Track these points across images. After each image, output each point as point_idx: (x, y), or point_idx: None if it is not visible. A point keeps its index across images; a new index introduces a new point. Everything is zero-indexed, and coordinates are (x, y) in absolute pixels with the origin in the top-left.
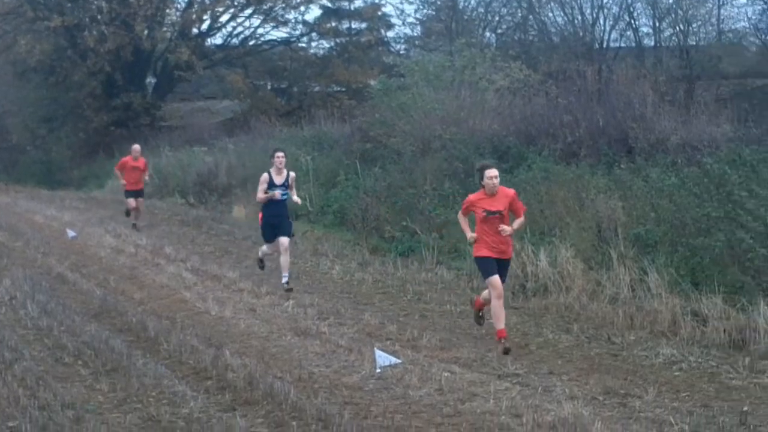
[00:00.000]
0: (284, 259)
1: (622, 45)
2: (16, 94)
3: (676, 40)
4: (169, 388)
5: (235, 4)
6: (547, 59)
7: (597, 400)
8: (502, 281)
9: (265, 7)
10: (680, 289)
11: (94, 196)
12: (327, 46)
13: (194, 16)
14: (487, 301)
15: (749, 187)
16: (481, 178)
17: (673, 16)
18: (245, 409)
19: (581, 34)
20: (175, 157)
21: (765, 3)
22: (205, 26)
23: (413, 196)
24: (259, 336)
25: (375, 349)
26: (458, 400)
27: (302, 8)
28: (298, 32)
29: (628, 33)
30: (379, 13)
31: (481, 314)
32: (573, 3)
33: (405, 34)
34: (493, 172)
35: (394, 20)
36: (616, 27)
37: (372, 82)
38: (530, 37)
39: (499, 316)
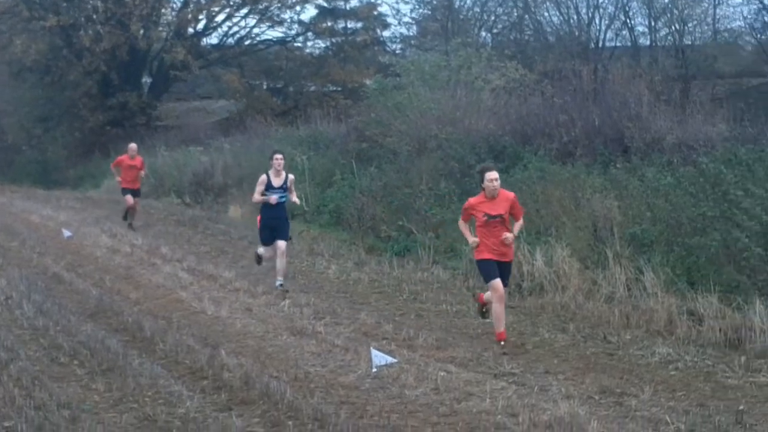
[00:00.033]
0: (281, 263)
1: (618, 44)
2: (11, 93)
3: (672, 39)
4: (165, 388)
5: (231, 3)
6: (543, 59)
7: (593, 399)
8: (505, 284)
9: (260, 6)
10: (676, 288)
11: (90, 196)
12: (323, 45)
13: (190, 15)
14: (491, 301)
15: (745, 187)
16: (482, 180)
17: (668, 15)
18: (241, 409)
19: (577, 33)
20: (171, 157)
21: (760, 2)
22: (200, 26)
23: (409, 196)
24: (255, 336)
25: (371, 348)
26: (454, 400)
27: (298, 8)
28: (293, 32)
29: (624, 32)
30: (375, 12)
31: (485, 309)
32: (569, 2)
33: (401, 33)
34: (493, 175)
35: (389, 20)
36: (612, 26)
37: (368, 82)
38: (526, 37)
39: (499, 318)
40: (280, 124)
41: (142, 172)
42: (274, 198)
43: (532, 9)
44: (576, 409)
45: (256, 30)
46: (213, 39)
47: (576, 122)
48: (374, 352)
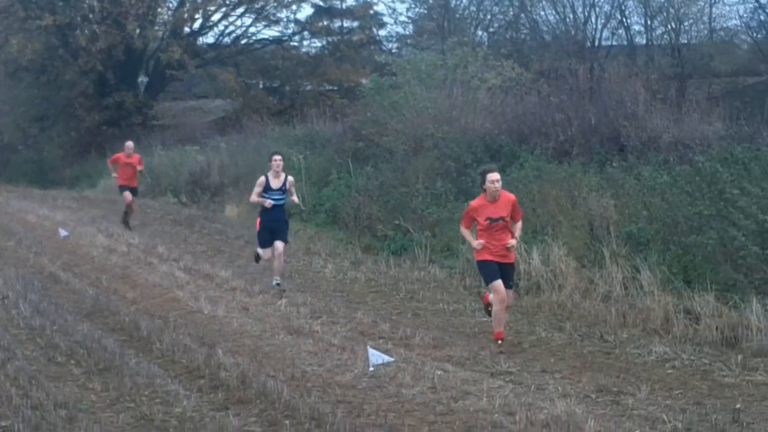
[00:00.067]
0: (278, 264)
1: (614, 43)
2: (7, 93)
3: (668, 38)
4: (161, 387)
5: (227, 3)
6: (539, 58)
7: (590, 398)
8: (509, 285)
9: (256, 6)
10: (673, 287)
11: (87, 196)
12: (319, 44)
13: (186, 15)
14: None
15: (741, 185)
16: (483, 182)
17: (664, 14)
18: (238, 408)
19: (573, 32)
20: (167, 157)
21: (756, 1)
22: (196, 25)
23: (405, 195)
24: (252, 335)
25: (368, 347)
26: (451, 399)
27: (294, 7)
28: (289, 31)
29: (620, 31)
30: (371, 11)
31: (491, 308)
32: (565, 1)
33: (397, 32)
34: (495, 176)
35: (386, 19)
36: (608, 25)
37: (364, 81)
38: (522, 36)
39: (499, 319)
40: (277, 124)
41: (139, 167)
42: (269, 202)
43: (528, 8)
44: (573, 408)
45: (252, 29)
46: (209, 38)
47: (572, 121)
48: (371, 351)
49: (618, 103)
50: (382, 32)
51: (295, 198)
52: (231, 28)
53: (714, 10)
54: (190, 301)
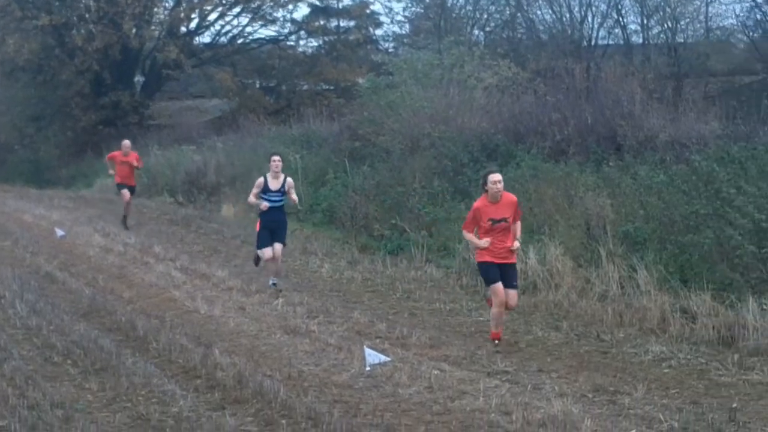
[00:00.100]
0: (276, 266)
1: (611, 42)
2: (4, 93)
3: (664, 37)
4: (158, 387)
5: (223, 2)
6: (536, 57)
7: (586, 398)
8: (514, 285)
9: (253, 5)
10: (669, 286)
11: (83, 195)
12: (315, 44)
13: (182, 14)
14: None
15: (737, 184)
16: (485, 183)
17: (661, 13)
18: (235, 408)
19: (569, 31)
20: (163, 156)
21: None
22: (193, 25)
23: (402, 195)
24: (249, 334)
25: (364, 347)
26: (448, 398)
27: (290, 6)
28: (286, 31)
29: (617, 30)
30: (368, 11)
31: None
32: (561, 0)
33: (393, 32)
34: (497, 177)
35: (382, 18)
36: (605, 24)
37: (360, 81)
38: (518, 35)
39: (497, 320)
40: (273, 123)
41: (138, 165)
42: (264, 204)
43: (525, 7)
44: (569, 408)
45: (248, 29)
46: (206, 38)
47: (569, 120)
48: (367, 351)
49: (614, 103)
50: (379, 32)
51: (294, 198)
52: (227, 27)
53: (710, 9)
54: (186, 301)
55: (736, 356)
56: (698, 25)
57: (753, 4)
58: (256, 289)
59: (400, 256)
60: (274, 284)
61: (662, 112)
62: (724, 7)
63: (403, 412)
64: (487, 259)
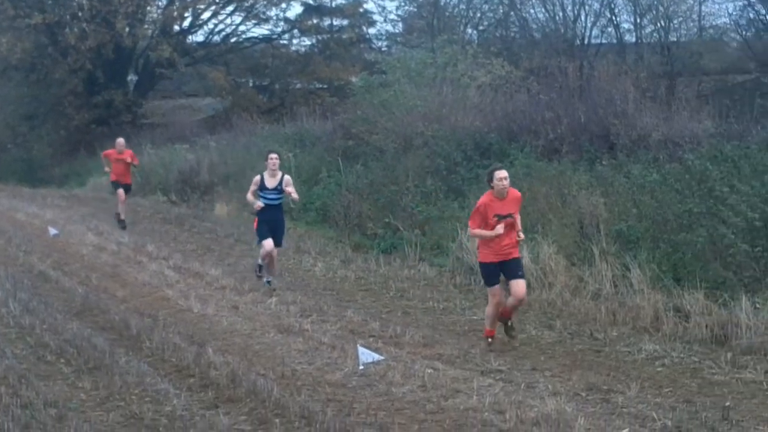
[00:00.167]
0: (271, 267)
1: (604, 41)
2: None
3: (658, 36)
4: (151, 386)
5: (217, 1)
6: (529, 56)
7: (580, 396)
8: (519, 275)
9: (246, 4)
10: (662, 284)
11: (76, 194)
12: (308, 43)
13: (175, 13)
14: (514, 308)
15: (731, 183)
16: (491, 180)
17: (654, 12)
18: (228, 407)
19: (562, 30)
20: (157, 155)
21: None
22: (186, 23)
23: (395, 193)
24: (242, 333)
25: (358, 346)
26: (441, 397)
27: (283, 5)
28: (279, 29)
29: (610, 29)
30: (361, 10)
31: (510, 323)
32: None
33: (386, 31)
34: (503, 174)
35: (375, 17)
36: (598, 23)
37: (354, 79)
38: (512, 34)
39: (492, 319)
40: (266, 122)
41: (134, 162)
42: (259, 204)
43: (518, 6)
44: (563, 406)
45: (241, 27)
46: (199, 37)
47: (562, 119)
48: (361, 350)
49: (608, 101)
50: (372, 30)
51: (295, 195)
52: (221, 26)
53: (703, 8)
54: (179, 300)
55: (729, 355)
56: (691, 24)
57: (746, 2)
58: (249, 288)
59: (394, 254)
60: (268, 282)
61: (655, 111)
62: (717, 6)
63: (397, 410)
64: (489, 259)
